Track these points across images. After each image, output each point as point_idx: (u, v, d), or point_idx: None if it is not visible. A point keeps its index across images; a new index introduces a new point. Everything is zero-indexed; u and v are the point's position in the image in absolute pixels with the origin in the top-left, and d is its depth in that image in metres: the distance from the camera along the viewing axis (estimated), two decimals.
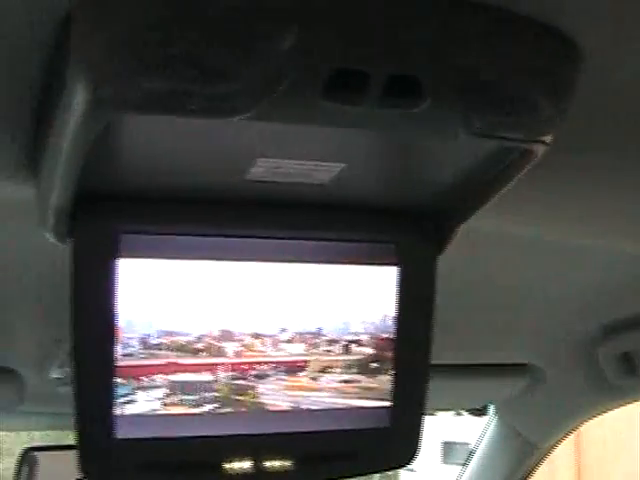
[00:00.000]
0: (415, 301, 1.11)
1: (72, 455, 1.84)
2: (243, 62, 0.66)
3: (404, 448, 1.16)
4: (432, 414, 7.61)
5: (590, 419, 1.98)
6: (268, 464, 1.07)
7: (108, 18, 0.65)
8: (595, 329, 1.70)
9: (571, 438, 2.07)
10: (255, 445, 1.07)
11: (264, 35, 0.66)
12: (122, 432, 1.02)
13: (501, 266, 1.41)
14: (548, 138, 0.79)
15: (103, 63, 0.66)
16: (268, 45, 0.66)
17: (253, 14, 0.65)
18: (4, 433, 6.83)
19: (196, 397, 1.05)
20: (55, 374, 1.47)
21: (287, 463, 1.07)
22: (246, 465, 1.06)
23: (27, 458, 1.77)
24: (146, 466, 1.04)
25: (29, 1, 0.64)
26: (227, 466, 1.05)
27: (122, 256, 0.98)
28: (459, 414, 7.87)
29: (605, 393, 1.82)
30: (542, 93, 0.75)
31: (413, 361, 1.13)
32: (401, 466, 1.19)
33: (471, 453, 2.18)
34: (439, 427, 7.44)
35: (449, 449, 7.03)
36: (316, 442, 1.10)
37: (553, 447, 2.06)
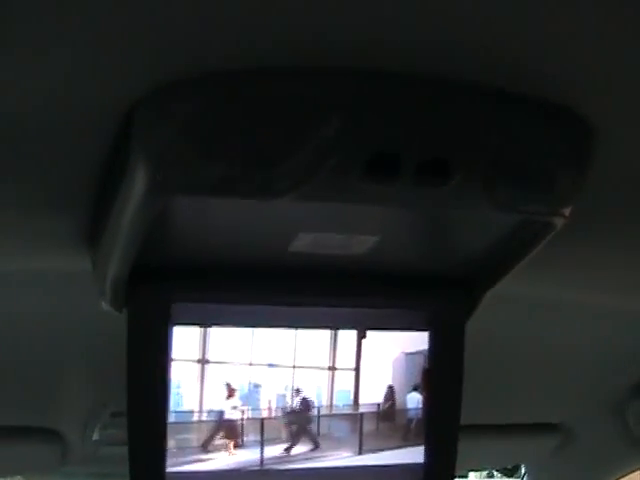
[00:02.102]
0: (445, 364, 1.16)
1: None
2: (290, 150, 0.73)
3: None
4: (463, 476, 7.49)
5: (622, 477, 1.98)
6: None
7: (167, 111, 0.71)
8: (623, 388, 1.72)
9: None
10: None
11: (308, 125, 0.72)
12: None
13: (530, 329, 1.45)
14: (567, 211, 0.85)
15: (162, 152, 0.72)
16: (312, 134, 0.72)
17: (298, 107, 0.72)
18: None
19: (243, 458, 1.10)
20: (97, 436, 1.50)
21: None
22: None
23: None
24: None
25: (94, 94, 0.71)
26: None
27: (174, 323, 1.04)
28: (490, 477, 7.75)
29: (635, 451, 1.83)
30: (560, 170, 0.81)
31: (444, 422, 1.17)
32: None
33: None
34: None
35: None
36: None
37: None
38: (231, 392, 1.09)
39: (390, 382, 1.15)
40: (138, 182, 0.75)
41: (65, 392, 1.40)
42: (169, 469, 1.06)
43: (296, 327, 1.10)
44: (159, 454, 1.05)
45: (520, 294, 1.27)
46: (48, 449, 1.51)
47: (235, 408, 1.09)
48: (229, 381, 1.09)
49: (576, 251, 1.12)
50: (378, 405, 1.15)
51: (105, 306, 1.02)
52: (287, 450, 1.12)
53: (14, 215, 0.92)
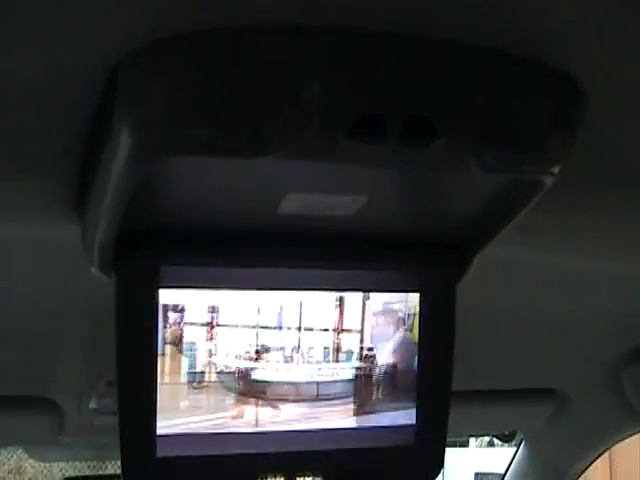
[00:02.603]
0: (436, 325, 1.16)
1: None
2: (275, 109, 0.72)
3: (428, 465, 1.20)
4: (464, 444, 7.54)
5: (617, 442, 1.99)
6: None
7: (152, 71, 0.71)
8: (620, 353, 1.72)
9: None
10: (288, 462, 1.12)
11: (293, 84, 0.72)
12: (164, 451, 1.07)
13: (526, 293, 1.45)
14: (556, 169, 0.84)
15: (147, 112, 0.72)
16: (297, 93, 0.72)
17: (283, 66, 0.72)
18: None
19: (233, 418, 1.10)
20: (94, 405, 1.51)
21: (318, 479, 1.12)
22: None
23: None
24: None
25: (79, 53, 0.70)
26: None
27: (162, 287, 1.04)
28: (491, 445, 7.81)
29: (631, 417, 1.84)
30: (548, 129, 0.81)
31: (436, 381, 1.18)
32: None
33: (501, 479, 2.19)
34: (471, 458, 7.39)
35: None
36: (345, 460, 1.15)
37: (582, 472, 2.06)
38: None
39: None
40: (122, 145, 0.74)
41: (61, 362, 1.41)
42: (160, 431, 1.06)
43: (286, 289, 1.11)
44: (150, 417, 1.05)
45: (515, 258, 1.27)
46: (45, 419, 1.52)
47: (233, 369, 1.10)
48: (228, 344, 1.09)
49: (569, 213, 1.11)
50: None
51: (95, 271, 1.02)
52: (281, 412, 1.13)
53: (1, 183, 0.92)
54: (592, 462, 2.05)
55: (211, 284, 1.08)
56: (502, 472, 2.20)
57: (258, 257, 1.08)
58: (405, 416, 1.18)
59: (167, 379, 1.07)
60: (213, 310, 1.08)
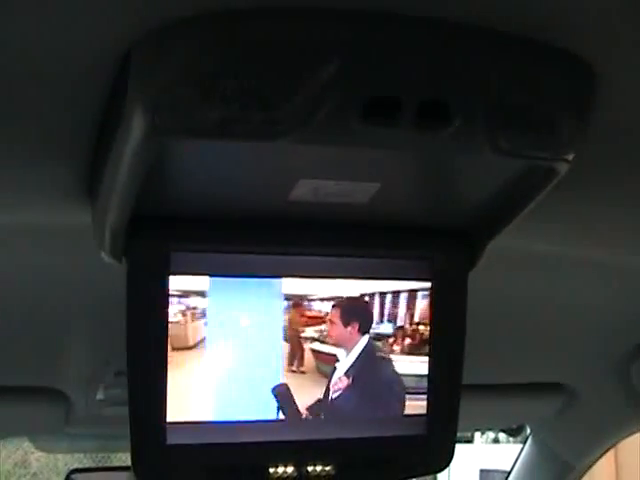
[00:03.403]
0: (448, 313, 1.15)
1: (113, 477, 1.89)
2: (289, 91, 0.72)
3: (439, 454, 1.20)
4: (469, 440, 7.53)
5: (626, 437, 1.98)
6: (310, 469, 1.11)
7: (166, 52, 0.71)
8: (628, 347, 1.71)
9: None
10: (299, 451, 1.12)
11: (308, 66, 0.72)
12: (173, 439, 1.06)
13: (534, 286, 1.44)
14: (570, 156, 0.83)
15: (160, 94, 0.72)
16: (311, 75, 0.71)
17: (298, 47, 0.71)
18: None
19: (244, 406, 1.10)
20: (101, 396, 1.51)
21: (328, 468, 1.12)
22: (290, 469, 1.10)
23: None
24: (195, 470, 1.09)
25: (92, 35, 0.70)
26: (272, 471, 1.10)
27: (173, 273, 1.04)
28: (497, 441, 7.80)
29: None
30: (562, 114, 0.80)
31: (447, 371, 1.17)
32: (435, 472, 1.24)
33: (508, 474, 2.18)
34: (477, 455, 7.38)
35: (486, 477, 6.96)
36: (356, 448, 1.15)
37: (590, 466, 2.06)
38: None
39: None
40: (135, 126, 0.74)
41: (68, 351, 1.40)
42: (170, 419, 1.06)
43: (296, 277, 1.10)
44: (159, 404, 1.05)
45: (523, 250, 1.26)
46: (52, 409, 1.52)
47: None
48: None
49: (582, 204, 1.11)
50: None
51: (105, 256, 1.02)
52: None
53: (12, 166, 0.92)
54: (600, 456, 2.04)
55: (221, 271, 1.07)
56: (507, 469, 2.19)
57: (269, 244, 1.07)
58: (418, 405, 1.17)
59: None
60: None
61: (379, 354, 1.16)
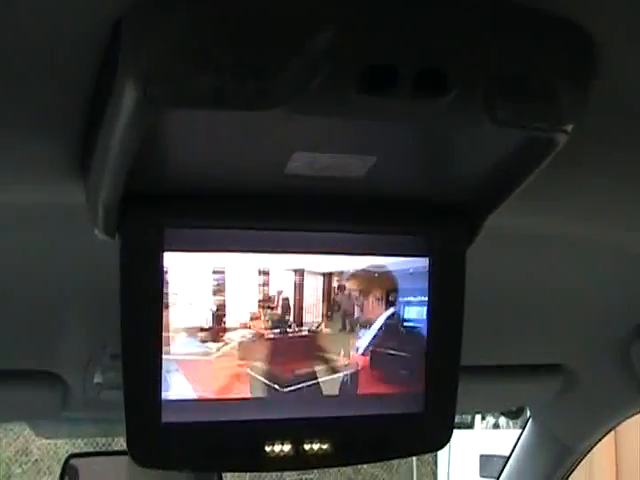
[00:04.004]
0: (446, 290, 1.14)
1: (113, 461, 1.88)
2: (283, 60, 0.71)
3: (437, 433, 1.19)
4: (469, 426, 7.54)
5: (626, 419, 1.98)
6: (307, 447, 1.11)
7: (157, 21, 0.69)
8: (628, 328, 1.71)
9: (610, 438, 2.07)
10: (296, 429, 1.11)
11: (302, 34, 0.70)
12: (168, 417, 1.06)
13: (533, 267, 1.43)
14: (569, 127, 0.82)
15: (152, 62, 0.70)
16: (305, 43, 0.70)
17: (292, 15, 0.70)
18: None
19: (238, 385, 1.09)
20: (99, 379, 1.50)
21: (325, 446, 1.11)
22: (287, 448, 1.10)
23: (69, 464, 1.81)
24: (191, 448, 1.08)
25: (82, 5, 0.69)
26: (269, 449, 1.09)
27: (167, 249, 1.03)
28: (497, 427, 7.82)
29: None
30: (561, 84, 0.79)
31: (445, 349, 1.17)
32: (433, 450, 1.23)
33: (508, 457, 2.18)
34: (476, 440, 7.40)
35: (486, 462, 6.98)
36: (353, 426, 1.14)
37: (590, 449, 2.06)
38: None
39: None
40: (127, 98, 0.72)
41: (65, 334, 1.40)
42: (165, 397, 1.05)
43: (293, 252, 1.09)
44: (154, 382, 1.04)
45: (521, 230, 1.25)
46: (49, 393, 1.51)
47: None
48: None
49: (578, 181, 1.10)
50: None
51: (99, 234, 1.01)
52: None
53: (3, 142, 0.90)
54: (600, 439, 2.04)
55: (216, 247, 1.06)
56: (507, 454, 2.19)
57: (264, 220, 1.06)
58: (415, 383, 1.16)
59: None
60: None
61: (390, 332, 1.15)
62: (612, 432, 2.07)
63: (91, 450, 4.85)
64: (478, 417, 7.48)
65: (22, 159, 0.95)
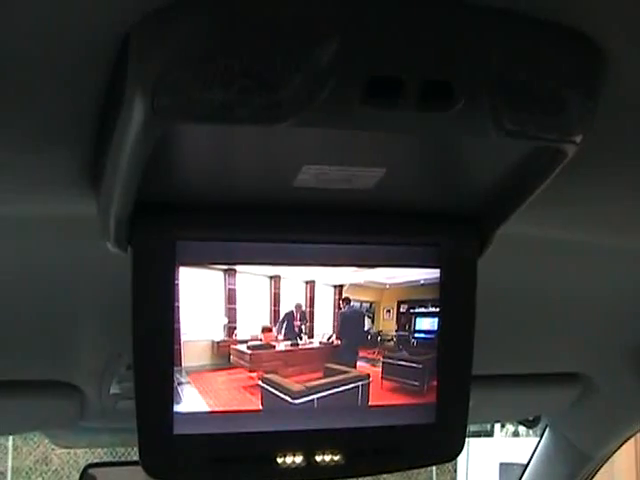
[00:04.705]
0: (457, 301, 1.14)
1: (129, 471, 1.89)
2: (289, 72, 0.71)
3: (449, 444, 1.19)
4: (489, 434, 7.51)
5: None
6: (319, 458, 1.11)
7: (165, 35, 0.70)
8: None
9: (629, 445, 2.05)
10: (307, 440, 1.11)
11: (308, 47, 0.70)
12: (180, 429, 1.06)
13: (548, 275, 1.43)
14: (578, 137, 0.82)
15: (160, 76, 0.71)
16: (311, 56, 0.70)
17: (297, 28, 0.70)
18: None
19: (249, 396, 1.10)
20: (115, 389, 1.51)
21: (337, 457, 1.11)
22: (298, 459, 1.10)
23: (86, 475, 1.81)
24: (203, 460, 1.09)
25: (91, 20, 0.69)
26: (280, 460, 1.09)
27: (179, 262, 1.04)
28: (516, 435, 7.78)
29: None
30: (570, 94, 0.78)
31: (456, 359, 1.16)
32: (446, 461, 1.23)
33: (526, 466, 2.17)
34: (496, 448, 7.37)
35: (506, 470, 6.95)
36: (365, 437, 1.14)
37: (608, 457, 2.04)
38: None
39: None
40: (136, 111, 0.73)
41: (81, 345, 1.40)
42: (177, 409, 1.06)
43: (304, 264, 1.09)
44: (167, 394, 1.05)
45: (536, 237, 1.25)
46: (66, 404, 1.52)
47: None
48: None
49: (592, 188, 1.09)
50: None
51: (111, 247, 1.01)
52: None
53: (14, 156, 0.91)
54: (619, 447, 2.02)
55: (227, 259, 1.07)
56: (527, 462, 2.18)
57: (275, 232, 1.06)
58: (427, 394, 1.16)
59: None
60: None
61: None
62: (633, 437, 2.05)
63: (111, 459, 4.87)
64: (497, 425, 7.45)
65: (35, 173, 0.96)
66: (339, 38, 0.70)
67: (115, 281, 1.10)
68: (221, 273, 1.07)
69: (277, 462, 1.10)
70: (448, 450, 1.19)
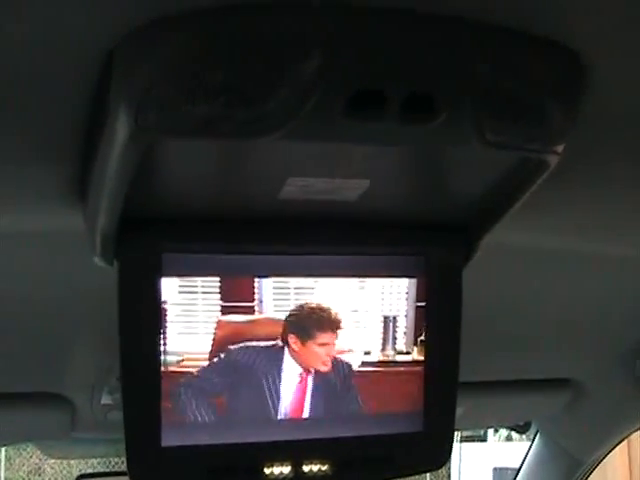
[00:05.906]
0: (443, 310, 1.15)
1: None
2: (272, 87, 0.71)
3: (436, 451, 1.20)
4: (482, 439, 7.51)
5: (634, 431, 1.97)
6: (307, 469, 1.11)
7: (149, 51, 0.70)
8: (635, 341, 1.70)
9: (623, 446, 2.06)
10: (295, 451, 1.11)
11: (290, 62, 0.71)
12: (168, 440, 1.06)
13: (537, 281, 1.44)
14: (559, 147, 0.83)
15: (143, 93, 0.71)
16: (293, 71, 0.71)
17: (280, 43, 0.71)
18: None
19: (238, 405, 1.10)
20: (106, 400, 1.51)
21: (325, 467, 1.12)
22: (286, 470, 1.10)
23: None
24: (190, 471, 1.09)
25: (75, 36, 0.70)
26: (268, 471, 1.10)
27: (165, 274, 1.04)
28: (509, 439, 7.79)
29: None
30: (551, 105, 0.79)
31: (442, 368, 1.17)
32: (434, 469, 1.23)
33: (517, 471, 2.17)
34: (490, 453, 7.37)
35: (500, 475, 6.96)
36: (353, 447, 1.14)
37: (598, 461, 2.05)
38: None
39: None
40: (119, 127, 0.74)
41: (71, 356, 1.41)
42: (165, 420, 1.06)
43: (289, 275, 1.10)
44: (154, 406, 1.05)
45: (523, 245, 1.25)
46: (57, 415, 1.52)
47: None
48: None
49: (576, 196, 1.10)
50: None
51: (97, 261, 1.02)
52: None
53: (1, 171, 0.92)
54: (609, 451, 2.03)
55: (213, 271, 1.07)
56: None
57: (260, 244, 1.07)
58: (414, 402, 1.17)
59: None
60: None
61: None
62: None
63: (104, 470, 4.85)
64: (491, 430, 7.46)
65: (21, 187, 0.96)
66: (322, 53, 0.71)
67: (104, 295, 1.11)
68: (206, 284, 1.08)
69: (265, 473, 1.10)
70: (436, 457, 1.20)
